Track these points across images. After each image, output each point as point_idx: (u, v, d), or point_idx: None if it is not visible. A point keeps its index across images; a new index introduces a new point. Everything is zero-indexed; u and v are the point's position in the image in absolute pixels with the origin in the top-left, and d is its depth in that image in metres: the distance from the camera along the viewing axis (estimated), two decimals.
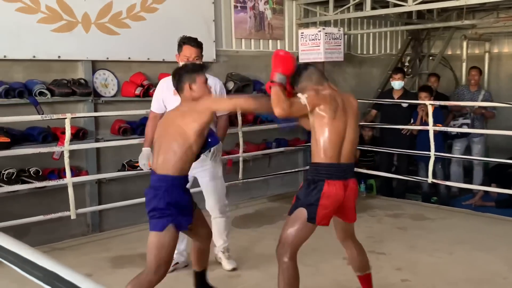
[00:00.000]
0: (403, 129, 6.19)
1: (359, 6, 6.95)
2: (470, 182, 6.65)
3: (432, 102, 5.78)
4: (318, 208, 2.74)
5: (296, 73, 2.88)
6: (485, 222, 5.19)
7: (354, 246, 3.09)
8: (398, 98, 6.34)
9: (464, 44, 8.47)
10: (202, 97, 2.86)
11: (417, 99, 6.24)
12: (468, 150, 6.80)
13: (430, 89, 6.39)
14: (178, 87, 2.91)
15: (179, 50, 3.65)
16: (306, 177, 3.08)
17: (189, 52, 3.61)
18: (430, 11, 8.20)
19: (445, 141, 6.58)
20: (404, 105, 6.30)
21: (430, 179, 5.66)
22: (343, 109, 2.82)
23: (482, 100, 6.63)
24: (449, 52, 9.22)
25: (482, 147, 6.80)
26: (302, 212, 2.77)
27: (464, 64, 8.54)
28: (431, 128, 5.55)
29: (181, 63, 3.52)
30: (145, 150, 3.75)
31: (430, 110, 5.53)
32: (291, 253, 2.77)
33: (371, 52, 8.47)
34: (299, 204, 2.81)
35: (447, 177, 6.45)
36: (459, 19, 6.93)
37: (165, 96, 3.64)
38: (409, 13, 8.07)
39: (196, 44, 3.64)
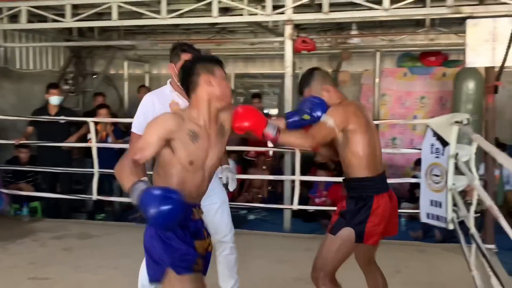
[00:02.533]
0: (62, 146, 6.13)
1: (15, 18, 6.54)
2: None
3: (97, 119, 5.94)
4: (366, 226, 2.61)
5: (304, 78, 2.76)
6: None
7: (377, 270, 2.92)
8: (54, 114, 6.20)
9: (125, 64, 8.92)
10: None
11: (75, 115, 6.35)
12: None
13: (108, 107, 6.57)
14: (189, 87, 2.28)
15: (176, 59, 3.05)
16: (348, 194, 2.76)
17: None
18: (91, 29, 8.33)
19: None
20: (62, 121, 6.22)
21: (95, 196, 5.72)
22: (368, 118, 2.71)
23: None
24: (112, 71, 9.54)
25: (150, 162, 7.23)
26: (348, 232, 2.62)
27: (126, 84, 8.98)
28: (93, 145, 5.63)
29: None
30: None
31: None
32: (331, 276, 2.66)
33: (31, 67, 8.06)
34: (344, 223, 2.65)
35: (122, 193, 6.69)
36: (119, 39, 7.26)
37: (158, 110, 2.88)
38: (70, 30, 8.01)
39: (198, 52, 3.09)
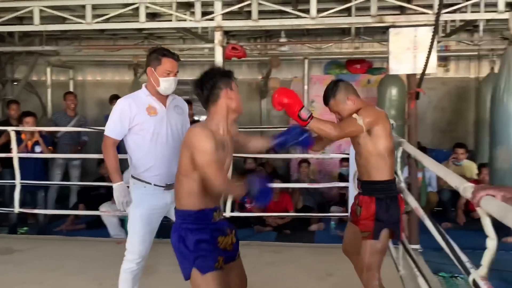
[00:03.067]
0: None
1: None
2: (67, 207, 6.73)
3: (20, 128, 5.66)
4: (401, 224, 2.88)
5: (329, 91, 2.87)
6: (77, 246, 5.28)
7: None
8: None
9: (49, 70, 8.56)
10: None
11: None
12: (67, 175, 6.87)
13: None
14: (210, 99, 2.41)
15: (156, 63, 3.03)
16: (374, 196, 2.88)
17: (171, 66, 3.04)
18: (11, 34, 7.94)
19: (46, 167, 6.58)
20: None
21: (17, 209, 5.42)
22: (391, 127, 2.91)
23: (76, 124, 6.82)
24: (34, 78, 9.13)
25: (79, 171, 7.00)
26: (386, 232, 2.82)
27: (49, 90, 8.62)
28: (15, 155, 5.34)
29: (161, 79, 3.00)
30: (122, 185, 3.13)
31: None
32: (379, 276, 2.81)
33: None
34: (382, 226, 2.81)
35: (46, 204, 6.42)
36: (41, 44, 6.95)
37: (134, 115, 3.01)
38: None
39: (178, 57, 3.10)
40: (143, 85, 3.15)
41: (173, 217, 3.07)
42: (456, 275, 4.64)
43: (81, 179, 7.05)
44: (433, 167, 2.31)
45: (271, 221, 6.28)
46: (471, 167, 6.75)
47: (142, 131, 3.05)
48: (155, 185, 3.08)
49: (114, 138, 3.11)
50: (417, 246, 5.03)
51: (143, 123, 3.04)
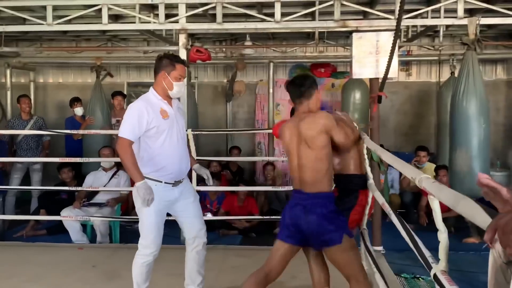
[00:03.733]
0: None
1: None
2: (28, 212, 6.55)
3: None
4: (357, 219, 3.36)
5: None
6: (37, 252, 5.15)
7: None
8: None
9: (8, 72, 8.33)
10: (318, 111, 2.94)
11: None
12: (27, 180, 6.69)
13: None
14: (305, 94, 2.92)
15: (170, 68, 3.26)
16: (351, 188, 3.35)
17: (183, 71, 3.32)
18: None
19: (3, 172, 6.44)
20: None
21: None
22: None
23: (34, 126, 6.66)
24: None
25: (39, 175, 6.82)
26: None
27: (9, 93, 8.39)
28: None
29: (174, 83, 3.26)
30: (145, 183, 3.19)
31: None
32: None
33: None
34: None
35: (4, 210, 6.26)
36: (0, 46, 6.75)
37: (151, 118, 3.21)
38: None
39: (187, 64, 3.26)
40: (151, 89, 3.33)
41: (176, 213, 3.48)
42: (418, 276, 4.73)
43: (42, 184, 6.89)
44: (392, 162, 2.35)
45: (237, 225, 6.26)
46: (433, 170, 6.90)
47: (157, 134, 3.24)
48: (165, 183, 3.29)
49: (131, 140, 3.22)
50: (380, 248, 5.10)
51: (159, 126, 3.24)
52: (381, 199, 2.94)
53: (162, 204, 3.30)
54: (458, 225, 5.94)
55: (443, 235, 1.66)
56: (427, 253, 1.90)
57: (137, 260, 3.38)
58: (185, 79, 3.38)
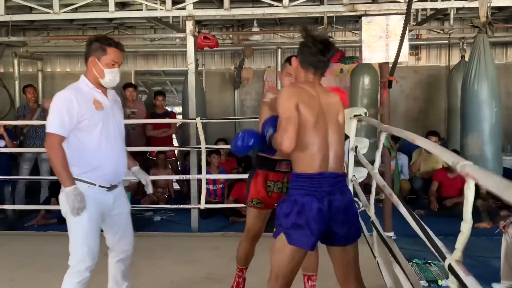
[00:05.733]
0: None
1: None
2: (38, 202, 6.59)
3: None
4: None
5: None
6: (49, 241, 5.16)
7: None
8: None
9: (16, 62, 8.34)
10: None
11: None
12: (36, 169, 6.71)
13: None
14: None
15: (100, 53, 2.85)
16: None
17: (116, 56, 2.89)
18: None
19: (13, 162, 6.44)
20: None
21: None
22: None
23: (39, 116, 6.67)
24: (2, 70, 8.89)
25: (49, 164, 6.84)
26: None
27: (17, 82, 8.41)
28: None
29: (106, 70, 2.85)
30: (76, 189, 2.77)
31: None
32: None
33: None
34: None
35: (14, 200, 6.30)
36: (7, 35, 6.75)
37: (82, 109, 2.79)
38: None
39: (123, 47, 2.94)
40: (82, 77, 2.93)
41: (105, 224, 2.99)
42: (430, 261, 4.72)
43: (52, 173, 6.90)
44: (424, 144, 2.27)
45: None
46: None
47: (89, 127, 2.82)
48: (100, 186, 2.87)
49: (62, 136, 2.78)
50: (391, 234, 5.09)
51: (91, 118, 2.82)
52: (388, 190, 2.89)
53: (95, 209, 2.85)
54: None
55: (467, 225, 1.61)
56: (439, 242, 1.87)
57: (70, 280, 2.89)
58: (119, 66, 2.94)
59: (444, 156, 1.88)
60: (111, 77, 2.89)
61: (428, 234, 1.94)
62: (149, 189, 3.18)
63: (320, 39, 2.50)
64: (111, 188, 2.93)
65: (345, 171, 2.59)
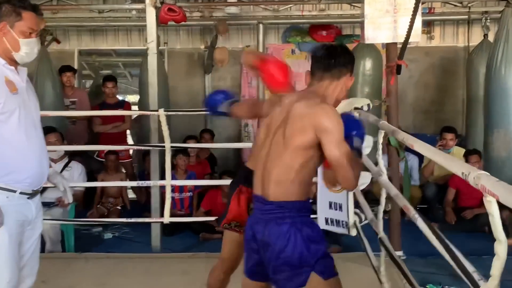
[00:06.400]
0: None
1: None
2: None
3: None
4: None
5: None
6: None
7: None
8: None
9: None
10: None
11: None
12: None
13: None
14: (333, 70, 2.63)
15: (14, 18, 2.71)
16: None
17: (34, 22, 2.77)
18: None
19: None
20: None
21: None
22: None
23: None
24: None
25: None
26: None
27: None
28: None
29: (21, 41, 2.72)
30: None
31: None
32: None
33: None
34: None
35: None
36: None
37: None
38: None
39: (41, 11, 2.84)
40: None
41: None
42: (447, 286, 4.76)
43: None
44: (425, 151, 2.32)
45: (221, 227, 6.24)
46: (462, 156, 6.92)
47: (3, 115, 2.68)
48: (20, 193, 2.75)
49: None
50: (400, 253, 5.13)
51: (5, 103, 2.67)
52: (402, 201, 2.91)
53: (16, 225, 2.73)
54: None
55: (502, 246, 1.62)
56: (470, 267, 1.89)
57: None
58: (37, 36, 2.85)
59: (450, 166, 1.92)
60: (28, 49, 2.78)
61: (454, 254, 1.95)
62: (69, 198, 3.09)
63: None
64: (32, 195, 2.83)
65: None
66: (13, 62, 2.79)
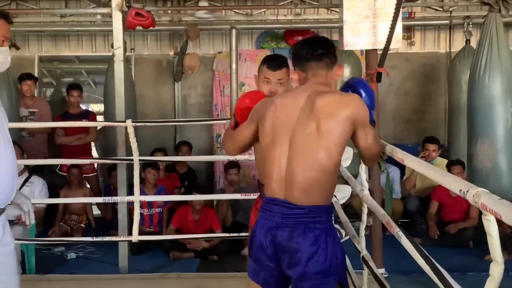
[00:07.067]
0: None
1: None
2: None
3: None
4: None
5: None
6: None
7: None
8: None
9: None
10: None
11: None
12: None
13: None
14: (324, 60, 2.71)
15: None
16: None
17: (6, 29, 2.84)
18: None
19: None
20: None
21: None
22: None
23: None
24: None
25: None
26: None
27: None
28: None
29: None
30: None
31: None
32: None
33: None
34: None
35: None
36: None
37: None
38: None
39: (11, 19, 2.90)
40: None
41: None
42: None
43: None
44: (419, 167, 2.33)
45: (193, 245, 6.22)
46: (445, 166, 6.98)
47: None
48: None
49: None
50: (382, 270, 5.14)
51: None
52: (384, 217, 2.93)
53: None
54: (477, 237, 6.05)
55: (498, 268, 1.63)
56: (456, 286, 1.89)
57: None
58: (8, 44, 2.91)
59: (447, 183, 1.93)
60: (1, 58, 2.85)
61: (441, 273, 1.96)
62: (31, 220, 2.99)
63: None
64: (1, 211, 2.81)
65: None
66: None
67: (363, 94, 2.76)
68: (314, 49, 2.70)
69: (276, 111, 2.67)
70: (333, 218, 2.67)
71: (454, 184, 1.78)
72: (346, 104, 2.56)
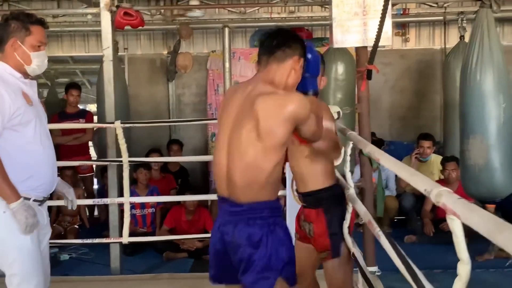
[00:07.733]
0: None
1: None
2: None
3: None
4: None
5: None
6: None
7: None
8: None
9: None
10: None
11: None
12: None
13: None
14: (277, 53, 2.68)
15: (24, 33, 3.03)
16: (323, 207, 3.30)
17: (42, 35, 3.10)
18: None
19: None
20: None
21: None
22: None
23: None
24: None
25: None
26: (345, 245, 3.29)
27: None
28: None
29: (32, 54, 3.04)
30: (25, 203, 2.95)
31: None
32: None
33: None
34: (339, 239, 3.26)
35: None
36: None
37: (14, 102, 2.95)
38: None
39: (47, 24, 3.16)
40: (1, 63, 3.06)
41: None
42: None
43: None
44: (392, 166, 2.35)
45: (187, 245, 6.23)
46: (439, 163, 6.99)
47: (20, 126, 3.01)
48: (34, 200, 3.06)
49: None
50: (374, 268, 5.13)
51: (24, 114, 3.00)
52: (367, 217, 2.94)
53: (38, 229, 3.09)
54: (468, 235, 6.03)
55: (465, 267, 1.63)
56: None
57: None
58: (44, 48, 3.14)
59: (414, 182, 1.96)
60: (39, 61, 3.09)
61: (417, 276, 1.96)
62: (73, 205, 3.46)
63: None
64: (43, 201, 3.14)
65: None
66: (25, 75, 3.12)
67: (309, 57, 2.83)
68: (269, 42, 2.70)
69: (224, 104, 2.81)
70: (280, 212, 2.71)
71: (421, 183, 1.81)
72: (285, 105, 2.55)
